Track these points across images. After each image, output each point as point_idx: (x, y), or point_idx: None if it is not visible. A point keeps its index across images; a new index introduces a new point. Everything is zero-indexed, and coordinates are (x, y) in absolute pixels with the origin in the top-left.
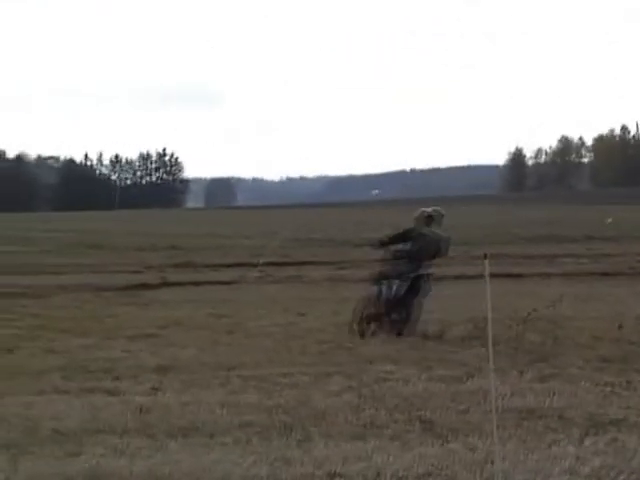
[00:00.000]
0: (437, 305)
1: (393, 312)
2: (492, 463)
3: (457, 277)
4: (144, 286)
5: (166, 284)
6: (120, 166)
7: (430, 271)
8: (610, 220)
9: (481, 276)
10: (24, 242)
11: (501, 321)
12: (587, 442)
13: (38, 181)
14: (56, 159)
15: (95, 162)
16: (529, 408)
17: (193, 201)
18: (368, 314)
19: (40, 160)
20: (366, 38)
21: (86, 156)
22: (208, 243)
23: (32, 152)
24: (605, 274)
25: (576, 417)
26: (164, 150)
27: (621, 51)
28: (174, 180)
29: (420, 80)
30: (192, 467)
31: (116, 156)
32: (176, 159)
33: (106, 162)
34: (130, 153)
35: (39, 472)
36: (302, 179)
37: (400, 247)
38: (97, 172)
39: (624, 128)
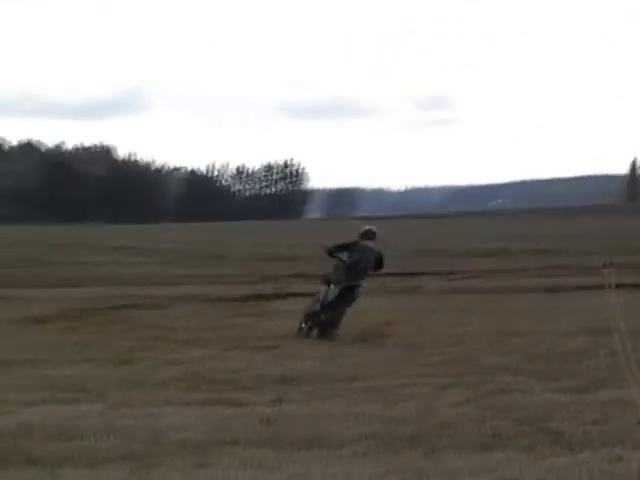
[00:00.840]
0: (556, 316)
1: (322, 314)
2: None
3: (577, 288)
4: (262, 297)
5: (283, 295)
6: (243, 177)
7: (361, 282)
8: None
9: (600, 287)
10: (147, 253)
11: (630, 333)
12: None
13: (163, 192)
14: (180, 170)
15: (219, 173)
16: None
17: (314, 212)
18: (307, 312)
19: (166, 171)
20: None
21: (211, 167)
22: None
23: (158, 162)
24: None
25: None
26: (290, 160)
27: None
28: (295, 191)
29: (539, 88)
30: (324, 479)
31: (240, 167)
32: (300, 170)
33: (230, 173)
34: (254, 164)
35: None
36: (424, 189)
37: (343, 257)
38: (218, 183)
39: None
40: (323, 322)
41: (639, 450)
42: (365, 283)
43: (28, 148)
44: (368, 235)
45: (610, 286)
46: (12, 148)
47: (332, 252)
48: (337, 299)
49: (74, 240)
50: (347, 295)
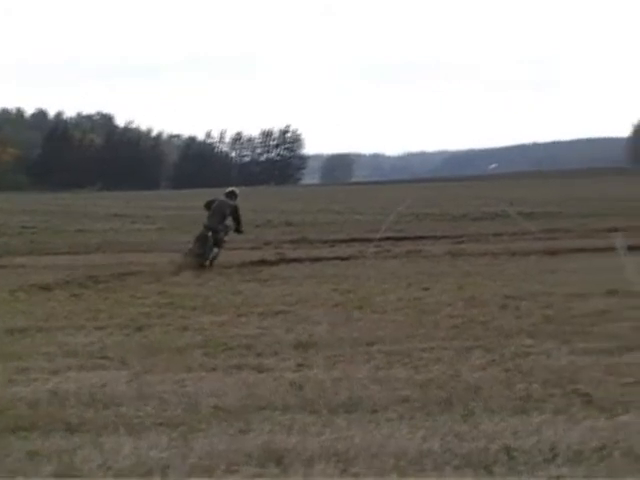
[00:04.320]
0: (563, 278)
1: (196, 249)
2: None
3: (576, 250)
4: (263, 262)
5: (284, 260)
6: (240, 143)
7: (219, 227)
8: None
9: (610, 249)
10: (146, 220)
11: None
12: None
13: (162, 159)
14: (179, 137)
15: (217, 140)
16: None
17: (311, 178)
18: (190, 249)
19: (165, 138)
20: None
21: (208, 134)
22: (321, 219)
23: (156, 129)
24: None
25: None
26: (287, 127)
27: None
28: (292, 157)
29: (539, 52)
30: (365, 443)
31: (238, 133)
32: (298, 135)
33: (228, 139)
34: (253, 131)
35: (214, 449)
36: (421, 154)
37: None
38: (216, 150)
39: None
40: (199, 255)
41: None
42: (224, 228)
43: (34, 117)
44: (228, 194)
45: (620, 248)
46: (22, 116)
47: (205, 206)
48: (201, 237)
49: (73, 208)
50: (214, 236)
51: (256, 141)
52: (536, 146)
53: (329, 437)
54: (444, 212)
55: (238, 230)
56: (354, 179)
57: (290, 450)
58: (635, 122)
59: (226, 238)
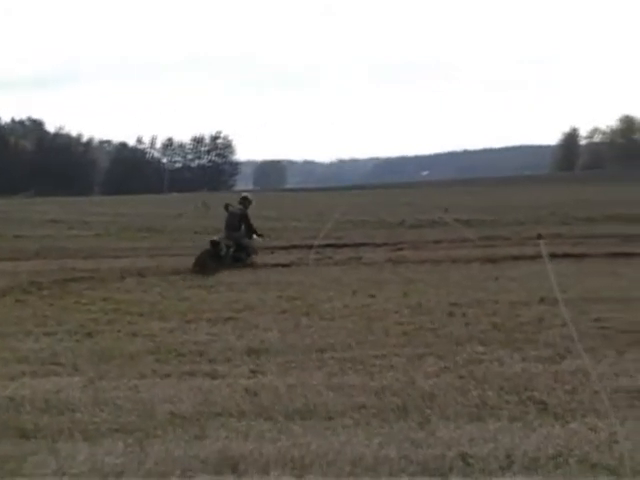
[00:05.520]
0: (504, 286)
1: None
2: (616, 443)
3: (514, 258)
4: (205, 268)
5: (228, 266)
6: (172, 149)
7: (235, 236)
8: None
9: (537, 257)
10: (82, 226)
11: (573, 301)
12: None
13: (93, 165)
14: (110, 143)
15: (148, 146)
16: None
17: (243, 184)
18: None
19: (95, 144)
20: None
21: (139, 140)
22: (259, 225)
23: (86, 135)
24: None
25: None
26: (218, 133)
27: None
28: (224, 163)
29: (472, 63)
30: (322, 449)
31: (169, 139)
32: (229, 142)
33: (159, 145)
34: (184, 137)
35: (169, 455)
36: (353, 161)
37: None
38: (147, 156)
39: None
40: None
41: (607, 419)
42: (240, 236)
43: None
44: (240, 201)
45: (545, 256)
46: None
47: (224, 208)
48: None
49: (9, 214)
50: (230, 243)
51: (187, 147)
52: (467, 153)
53: (285, 444)
54: (381, 219)
55: (255, 235)
56: (287, 185)
57: (246, 456)
58: (565, 130)
59: (255, 243)
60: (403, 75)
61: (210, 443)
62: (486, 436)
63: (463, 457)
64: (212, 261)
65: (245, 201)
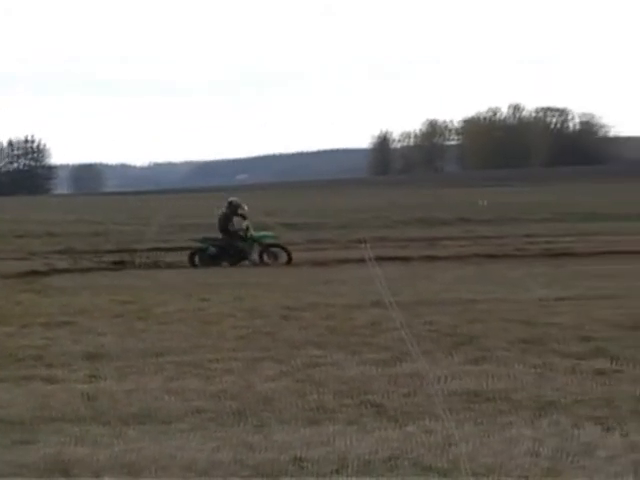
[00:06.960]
0: (335, 289)
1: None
2: (453, 445)
3: (342, 261)
4: (35, 273)
5: (56, 270)
6: None
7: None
8: (484, 203)
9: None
10: None
11: (405, 305)
12: (539, 424)
13: None
14: None
15: None
16: (473, 391)
17: (61, 188)
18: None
19: None
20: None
21: None
22: (83, 229)
23: None
24: (491, 256)
25: (523, 399)
26: (30, 136)
27: (486, 33)
28: (38, 167)
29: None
30: (156, 454)
31: None
32: (42, 145)
33: None
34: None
35: None
36: (168, 165)
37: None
38: None
39: (492, 110)
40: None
41: (443, 422)
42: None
43: None
44: (227, 205)
45: (370, 260)
46: None
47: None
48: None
49: None
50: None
51: (4, 152)
52: (282, 157)
53: (119, 448)
54: (205, 222)
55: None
56: (103, 189)
57: (79, 461)
58: (375, 134)
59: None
60: (217, 77)
61: (41, 448)
62: (322, 439)
63: (296, 460)
64: (202, 260)
65: (230, 205)
